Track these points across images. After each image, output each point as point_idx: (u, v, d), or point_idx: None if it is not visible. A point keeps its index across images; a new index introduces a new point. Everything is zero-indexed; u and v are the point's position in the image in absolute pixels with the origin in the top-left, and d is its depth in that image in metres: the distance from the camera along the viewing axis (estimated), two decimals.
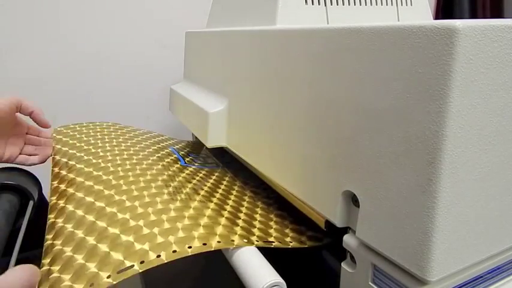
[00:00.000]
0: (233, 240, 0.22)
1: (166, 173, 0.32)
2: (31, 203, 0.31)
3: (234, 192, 0.31)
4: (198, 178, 0.32)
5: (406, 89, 0.15)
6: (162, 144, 0.42)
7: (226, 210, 0.27)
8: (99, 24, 0.54)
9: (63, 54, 0.52)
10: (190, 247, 0.21)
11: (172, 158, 0.37)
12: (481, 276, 0.18)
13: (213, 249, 0.21)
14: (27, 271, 0.18)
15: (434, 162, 0.14)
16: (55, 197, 0.27)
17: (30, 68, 0.51)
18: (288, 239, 0.24)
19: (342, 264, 0.20)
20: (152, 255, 0.20)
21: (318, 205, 0.21)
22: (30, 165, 0.34)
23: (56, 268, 0.20)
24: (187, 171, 0.34)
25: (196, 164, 0.37)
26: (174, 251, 0.21)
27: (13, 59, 0.50)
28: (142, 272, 0.19)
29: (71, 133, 0.39)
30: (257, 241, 0.23)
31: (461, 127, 0.14)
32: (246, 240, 0.23)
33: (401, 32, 0.15)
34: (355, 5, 0.31)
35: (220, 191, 0.31)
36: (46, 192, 0.33)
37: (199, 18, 0.51)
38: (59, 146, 0.36)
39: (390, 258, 0.17)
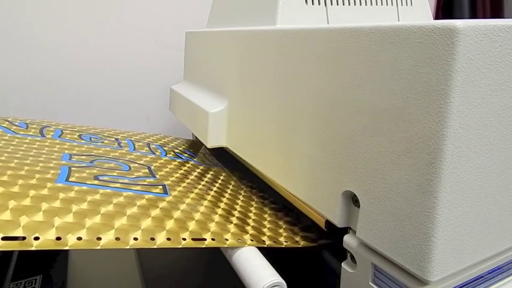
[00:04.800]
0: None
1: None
2: None
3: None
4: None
5: (406, 89, 0.15)
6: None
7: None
8: (99, 24, 0.54)
9: (63, 53, 0.52)
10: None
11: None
12: (481, 276, 0.18)
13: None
14: None
15: (435, 162, 0.14)
16: None
17: (30, 67, 0.51)
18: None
19: (342, 264, 0.20)
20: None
21: (318, 205, 0.21)
22: None
23: None
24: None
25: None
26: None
27: (13, 57, 0.50)
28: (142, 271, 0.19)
29: None
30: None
31: (462, 127, 0.14)
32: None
33: (401, 32, 0.15)
34: (355, 5, 0.31)
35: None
36: None
37: (199, 18, 0.51)
38: None
39: (390, 258, 0.17)
